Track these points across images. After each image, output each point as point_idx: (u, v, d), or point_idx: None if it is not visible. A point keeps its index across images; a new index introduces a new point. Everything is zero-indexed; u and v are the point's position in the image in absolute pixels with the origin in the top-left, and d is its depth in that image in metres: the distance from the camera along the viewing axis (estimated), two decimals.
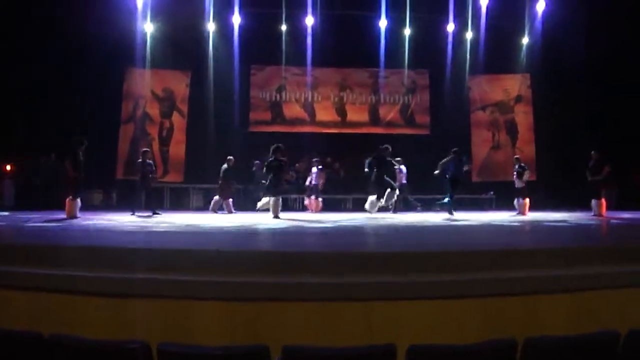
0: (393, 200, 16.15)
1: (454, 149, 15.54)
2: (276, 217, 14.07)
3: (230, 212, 16.71)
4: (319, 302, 5.02)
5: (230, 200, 17.10)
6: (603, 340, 3.66)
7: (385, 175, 15.72)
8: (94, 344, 3.59)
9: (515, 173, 17.03)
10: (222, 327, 4.97)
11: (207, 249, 6.59)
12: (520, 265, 5.80)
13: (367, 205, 15.84)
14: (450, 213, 15.15)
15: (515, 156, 18.36)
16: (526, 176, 16.84)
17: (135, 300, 5.12)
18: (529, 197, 16.93)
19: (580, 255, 6.20)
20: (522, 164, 17.11)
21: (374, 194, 15.65)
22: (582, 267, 5.83)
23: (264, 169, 14.91)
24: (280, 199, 14.76)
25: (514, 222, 13.12)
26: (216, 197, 17.09)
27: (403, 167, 17.31)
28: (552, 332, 4.11)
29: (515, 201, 16.96)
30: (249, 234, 9.72)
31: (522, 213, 16.49)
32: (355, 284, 5.17)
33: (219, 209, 16.91)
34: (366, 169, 15.75)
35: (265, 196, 15.13)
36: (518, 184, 16.91)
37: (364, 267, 5.60)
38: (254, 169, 19.27)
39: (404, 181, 17.43)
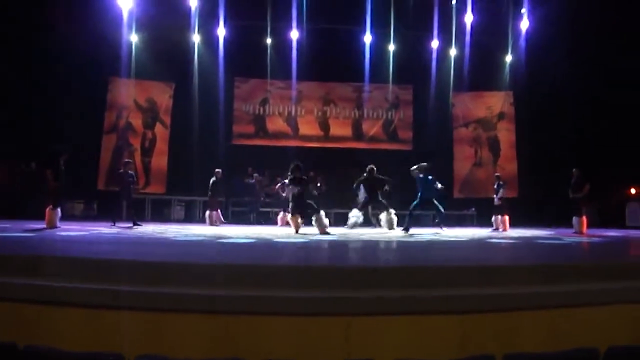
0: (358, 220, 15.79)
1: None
2: (324, 232, 13.30)
3: (212, 224, 16.76)
4: (298, 317, 4.98)
5: (215, 212, 17.16)
6: (582, 358, 3.67)
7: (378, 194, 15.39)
8: (70, 356, 3.54)
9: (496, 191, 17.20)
10: (200, 340, 4.91)
11: (187, 262, 6.54)
12: (500, 282, 5.80)
13: (389, 227, 15.12)
14: (440, 226, 15.26)
15: (496, 173, 18.51)
16: (501, 193, 16.98)
17: (115, 312, 5.05)
18: (508, 214, 17.05)
19: (560, 272, 6.22)
20: (501, 182, 17.25)
21: (383, 211, 15.29)
22: (562, 284, 5.85)
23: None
24: (320, 214, 13.79)
25: (493, 238, 13.15)
26: (210, 212, 17.30)
27: None
28: (531, 349, 4.11)
29: (493, 218, 17.10)
30: (228, 246, 9.67)
31: (502, 229, 16.60)
32: (334, 299, 5.13)
33: (214, 221, 17.15)
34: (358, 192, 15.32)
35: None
36: (496, 200, 17.07)
37: (343, 282, 5.56)
38: (252, 181, 19.23)
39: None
